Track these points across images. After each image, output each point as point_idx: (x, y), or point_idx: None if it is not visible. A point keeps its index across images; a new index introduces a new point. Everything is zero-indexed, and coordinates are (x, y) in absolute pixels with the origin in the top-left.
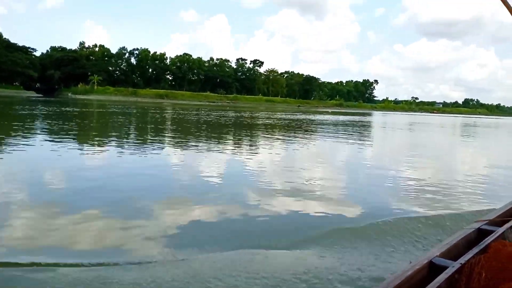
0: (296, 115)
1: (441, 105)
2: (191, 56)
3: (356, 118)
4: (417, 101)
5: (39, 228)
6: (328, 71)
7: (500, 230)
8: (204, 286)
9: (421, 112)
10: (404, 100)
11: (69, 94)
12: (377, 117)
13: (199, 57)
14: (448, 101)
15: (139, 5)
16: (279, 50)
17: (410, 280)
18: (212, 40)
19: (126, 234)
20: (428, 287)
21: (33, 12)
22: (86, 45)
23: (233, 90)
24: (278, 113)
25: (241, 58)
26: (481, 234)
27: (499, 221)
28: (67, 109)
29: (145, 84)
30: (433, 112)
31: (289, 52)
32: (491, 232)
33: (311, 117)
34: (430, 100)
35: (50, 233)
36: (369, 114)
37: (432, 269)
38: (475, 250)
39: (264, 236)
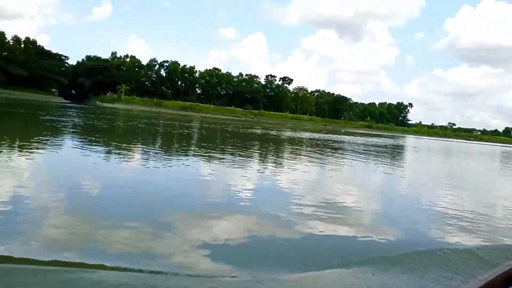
0: (296, 133)
1: (479, 133)
2: (220, 70)
3: (369, 140)
4: (454, 127)
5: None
6: (364, 93)
7: None
8: None
9: (456, 139)
10: (440, 126)
11: (97, 102)
12: (392, 141)
13: (228, 72)
14: (488, 128)
15: (181, 22)
16: (315, 69)
17: None
18: (250, 58)
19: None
20: None
21: (81, 24)
22: (118, 56)
23: (261, 106)
24: (288, 131)
25: (271, 74)
26: None
27: None
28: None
29: (174, 96)
30: (469, 139)
31: (325, 72)
32: None
33: (322, 136)
34: (469, 127)
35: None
36: (392, 137)
37: None
38: None
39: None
